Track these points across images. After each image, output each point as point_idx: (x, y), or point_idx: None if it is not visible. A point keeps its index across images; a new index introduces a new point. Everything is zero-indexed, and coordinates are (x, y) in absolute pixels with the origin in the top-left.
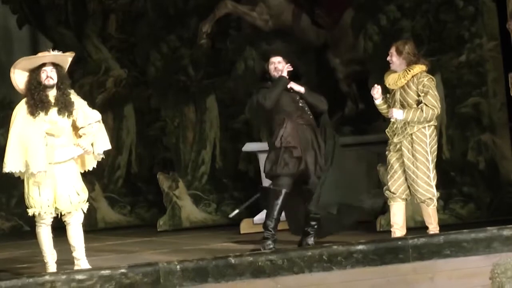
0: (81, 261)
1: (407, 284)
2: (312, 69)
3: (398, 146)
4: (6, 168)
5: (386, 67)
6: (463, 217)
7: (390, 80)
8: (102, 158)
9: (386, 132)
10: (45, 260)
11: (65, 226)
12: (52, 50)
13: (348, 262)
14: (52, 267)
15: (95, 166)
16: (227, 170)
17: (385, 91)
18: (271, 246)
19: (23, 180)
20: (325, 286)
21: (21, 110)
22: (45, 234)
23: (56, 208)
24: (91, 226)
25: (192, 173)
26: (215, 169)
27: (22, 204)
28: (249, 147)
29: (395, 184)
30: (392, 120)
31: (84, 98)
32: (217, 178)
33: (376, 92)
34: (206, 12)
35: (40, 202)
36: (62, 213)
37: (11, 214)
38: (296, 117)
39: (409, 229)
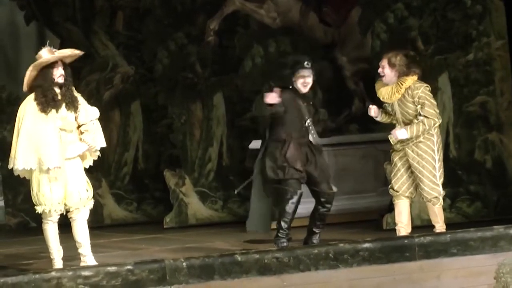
0: (87, 258)
1: (413, 282)
2: (320, 67)
3: (402, 153)
4: (19, 165)
5: None
6: (470, 216)
7: (384, 94)
8: (98, 156)
9: (389, 138)
10: (52, 257)
11: (70, 222)
12: (48, 46)
13: (354, 260)
14: (58, 263)
15: (91, 164)
16: (234, 167)
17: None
18: (285, 244)
19: (29, 179)
20: (331, 284)
21: (30, 107)
22: (52, 231)
23: (65, 205)
24: (97, 223)
25: (198, 170)
26: (222, 167)
27: (28, 200)
28: (255, 144)
29: (398, 182)
30: (397, 126)
31: (91, 94)
32: (224, 176)
33: (374, 112)
34: (214, 9)
35: (51, 200)
36: (70, 210)
37: (17, 210)
38: (298, 137)
39: (415, 228)
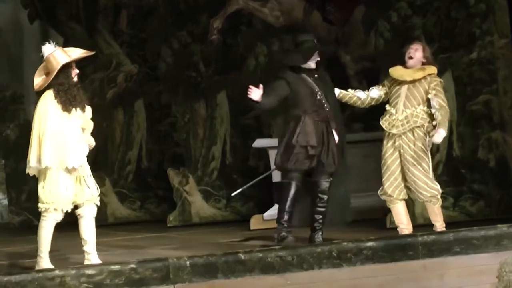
0: (92, 256)
1: (417, 281)
2: (323, 65)
3: (397, 142)
4: (46, 162)
5: (396, 64)
6: (473, 215)
7: (404, 72)
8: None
9: (382, 124)
10: (42, 256)
11: (67, 222)
12: (52, 44)
13: (358, 258)
14: (47, 263)
15: None
16: (237, 166)
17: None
18: (283, 234)
19: (39, 176)
20: (335, 283)
21: (52, 106)
22: (51, 229)
23: (74, 202)
24: (100, 221)
25: (202, 169)
26: (225, 165)
27: (32, 198)
28: (259, 143)
29: (392, 186)
30: (391, 111)
31: (94, 93)
32: (227, 174)
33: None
34: (217, 8)
35: (65, 197)
36: (80, 206)
37: (21, 208)
38: (312, 113)
39: (419, 226)
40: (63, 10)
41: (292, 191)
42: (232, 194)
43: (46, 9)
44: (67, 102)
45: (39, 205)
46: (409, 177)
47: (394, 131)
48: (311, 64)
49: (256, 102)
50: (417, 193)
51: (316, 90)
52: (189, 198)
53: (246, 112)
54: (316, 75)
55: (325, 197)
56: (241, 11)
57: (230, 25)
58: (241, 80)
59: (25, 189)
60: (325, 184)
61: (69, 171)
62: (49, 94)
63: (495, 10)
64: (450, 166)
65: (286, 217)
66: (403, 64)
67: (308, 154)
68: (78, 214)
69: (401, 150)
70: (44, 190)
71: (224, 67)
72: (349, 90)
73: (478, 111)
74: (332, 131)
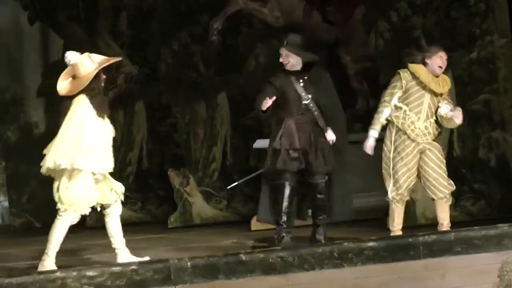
0: (124, 252)
1: (418, 281)
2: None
3: (421, 145)
4: (79, 165)
5: (397, 64)
6: (474, 214)
7: (430, 77)
8: None
9: (405, 129)
10: (49, 254)
11: (75, 224)
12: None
13: (359, 259)
14: (52, 263)
15: None
16: (238, 166)
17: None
18: (283, 234)
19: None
20: (336, 283)
21: (89, 110)
22: (65, 230)
23: (98, 203)
24: (101, 222)
25: (203, 169)
26: (226, 166)
27: (33, 200)
28: (259, 143)
29: (408, 187)
30: (413, 117)
31: None
32: (228, 175)
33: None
34: (217, 8)
35: (89, 201)
36: (107, 206)
37: (22, 210)
38: (297, 115)
39: (419, 226)
40: (63, 12)
41: (287, 191)
42: (228, 187)
43: (46, 11)
44: (100, 108)
45: (59, 205)
46: (430, 175)
47: (419, 140)
48: (286, 66)
49: (264, 112)
50: (435, 191)
51: (303, 94)
52: (190, 199)
53: (246, 112)
54: (306, 77)
55: (323, 196)
56: (241, 11)
57: (230, 25)
58: (241, 81)
59: (26, 191)
60: (321, 183)
61: (94, 175)
62: (84, 99)
63: (495, 10)
64: (451, 166)
65: (284, 217)
66: (423, 63)
67: (291, 157)
68: (108, 213)
69: (426, 152)
70: (67, 192)
71: (224, 68)
72: (380, 122)
73: (479, 110)
74: (321, 132)
